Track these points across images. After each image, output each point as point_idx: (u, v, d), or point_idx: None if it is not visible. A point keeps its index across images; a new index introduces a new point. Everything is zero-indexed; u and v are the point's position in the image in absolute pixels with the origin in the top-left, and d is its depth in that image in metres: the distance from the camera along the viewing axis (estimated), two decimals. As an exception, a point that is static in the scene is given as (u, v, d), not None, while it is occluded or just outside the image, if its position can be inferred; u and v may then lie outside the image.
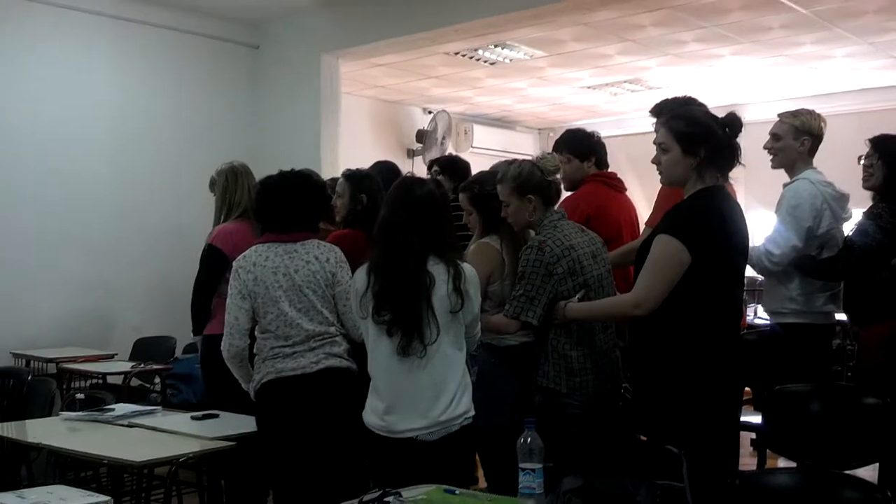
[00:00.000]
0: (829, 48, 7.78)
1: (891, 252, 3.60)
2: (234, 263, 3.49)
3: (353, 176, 4.21)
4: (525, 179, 3.39)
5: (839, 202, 3.87)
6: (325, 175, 5.17)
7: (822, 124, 3.92)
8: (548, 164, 3.44)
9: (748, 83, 9.04)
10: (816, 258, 3.77)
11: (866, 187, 3.82)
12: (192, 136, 7.16)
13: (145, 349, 6.32)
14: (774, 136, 3.92)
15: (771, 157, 3.94)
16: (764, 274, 3.86)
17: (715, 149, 2.93)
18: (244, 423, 3.63)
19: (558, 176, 3.50)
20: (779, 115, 3.97)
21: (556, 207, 3.46)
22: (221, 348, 3.47)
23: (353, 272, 3.24)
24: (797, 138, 3.87)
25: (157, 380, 5.90)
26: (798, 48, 7.77)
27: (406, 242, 2.95)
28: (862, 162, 3.81)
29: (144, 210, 6.84)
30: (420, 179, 3.28)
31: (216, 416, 3.89)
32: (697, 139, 2.93)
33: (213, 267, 4.33)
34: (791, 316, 3.83)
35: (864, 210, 3.80)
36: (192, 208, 6.15)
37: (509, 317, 3.28)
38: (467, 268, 3.05)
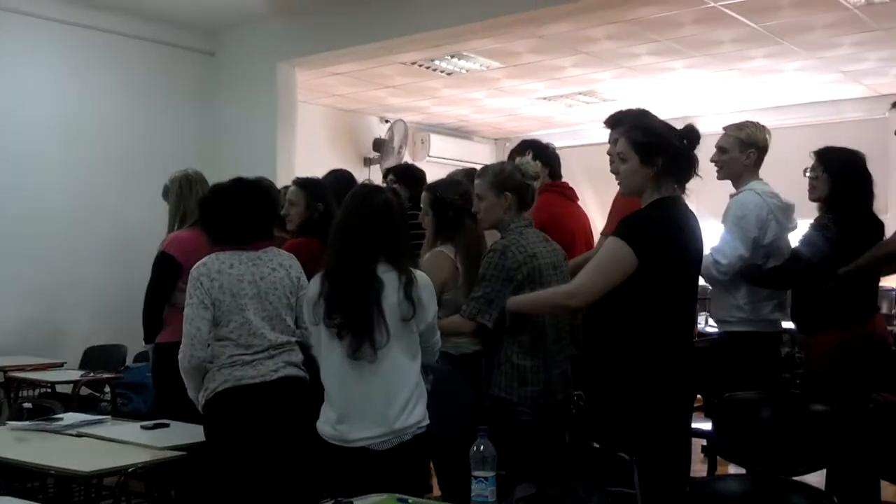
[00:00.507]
0: (779, 62, 7.92)
1: (836, 263, 3.66)
2: (193, 272, 3.40)
3: (307, 184, 4.19)
4: (506, 177, 3.39)
5: (784, 213, 3.93)
6: (281, 184, 5.14)
7: (767, 136, 3.98)
8: (529, 168, 3.45)
9: (700, 96, 9.17)
10: (762, 267, 3.83)
11: (812, 199, 3.88)
12: (144, 144, 7.08)
13: (95, 357, 6.23)
14: (721, 148, 3.97)
15: (717, 168, 3.99)
16: (711, 283, 3.91)
17: (672, 159, 2.96)
18: (195, 433, 3.57)
19: (536, 183, 3.51)
20: (724, 129, 4.01)
21: (526, 215, 3.46)
22: (180, 359, 3.37)
23: (308, 280, 3.21)
24: (743, 151, 3.93)
25: (108, 389, 5.82)
26: (749, 62, 7.90)
27: (357, 248, 2.94)
28: (807, 174, 3.87)
29: (95, 217, 6.76)
30: (377, 187, 3.28)
31: (166, 425, 3.84)
32: (655, 149, 2.97)
33: (166, 274, 4.28)
34: (738, 324, 3.87)
35: (812, 221, 3.87)
36: (144, 216, 6.07)
37: (466, 317, 3.29)
38: (420, 275, 3.03)
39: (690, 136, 3.00)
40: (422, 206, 3.73)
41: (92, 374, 5.67)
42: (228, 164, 6.46)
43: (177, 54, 7.39)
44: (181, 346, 3.38)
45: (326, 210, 4.07)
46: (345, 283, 2.93)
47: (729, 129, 3.99)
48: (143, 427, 3.83)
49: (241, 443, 3.35)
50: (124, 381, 5.63)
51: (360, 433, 2.91)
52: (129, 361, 6.15)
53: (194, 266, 3.42)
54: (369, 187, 3.25)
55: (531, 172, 3.44)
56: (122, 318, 5.91)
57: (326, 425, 2.98)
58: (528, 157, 3.61)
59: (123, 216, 6.83)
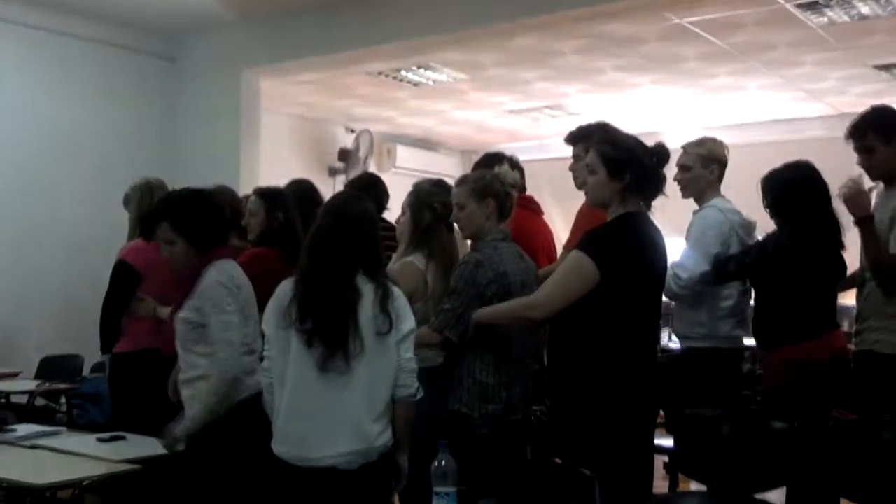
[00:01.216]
0: (743, 80, 8.00)
1: (783, 269, 3.67)
2: (219, 280, 3.28)
3: (266, 193, 4.16)
4: (487, 183, 3.37)
5: (746, 230, 3.97)
6: (244, 193, 5.10)
7: (726, 151, 4.02)
8: (508, 177, 3.43)
9: (666, 112, 9.24)
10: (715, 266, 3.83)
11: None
12: (103, 150, 6.99)
13: (52, 367, 6.12)
14: (683, 167, 3.99)
15: (681, 187, 4.00)
16: (671, 297, 3.91)
17: (639, 175, 2.97)
18: (152, 446, 3.52)
19: (514, 193, 3.50)
20: (683, 147, 4.03)
21: (503, 227, 3.43)
22: (228, 368, 3.21)
23: (266, 290, 3.12)
24: (706, 166, 3.97)
25: (64, 399, 5.72)
26: (713, 79, 7.97)
27: (337, 254, 2.87)
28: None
29: (53, 224, 6.65)
30: (360, 196, 3.21)
31: (123, 437, 3.78)
32: (623, 164, 2.98)
33: (125, 283, 4.23)
34: (699, 340, 3.90)
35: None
36: (102, 223, 6.00)
37: (434, 329, 3.26)
38: (396, 289, 2.97)
39: (660, 154, 3.02)
40: (402, 204, 3.70)
41: (48, 385, 5.58)
42: (190, 172, 6.38)
43: (135, 59, 7.29)
44: (227, 356, 3.23)
45: (286, 220, 4.04)
46: (321, 287, 2.84)
47: (689, 146, 4.01)
48: (99, 439, 3.77)
49: (259, 449, 3.16)
50: (81, 392, 5.54)
51: (327, 451, 2.80)
52: (86, 372, 6.06)
53: (217, 273, 3.31)
54: (350, 195, 3.22)
55: (510, 181, 3.42)
56: (78, 328, 5.81)
57: (285, 444, 2.84)
58: (507, 167, 3.61)
59: (81, 224, 6.72)
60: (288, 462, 2.84)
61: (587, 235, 3.04)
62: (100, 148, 6.98)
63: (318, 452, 2.81)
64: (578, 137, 3.93)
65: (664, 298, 3.60)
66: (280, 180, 4.63)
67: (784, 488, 3.52)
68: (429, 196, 3.60)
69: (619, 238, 2.97)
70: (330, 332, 2.80)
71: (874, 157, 3.60)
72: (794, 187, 3.76)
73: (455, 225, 3.58)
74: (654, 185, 3.03)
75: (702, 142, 4.01)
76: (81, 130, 6.91)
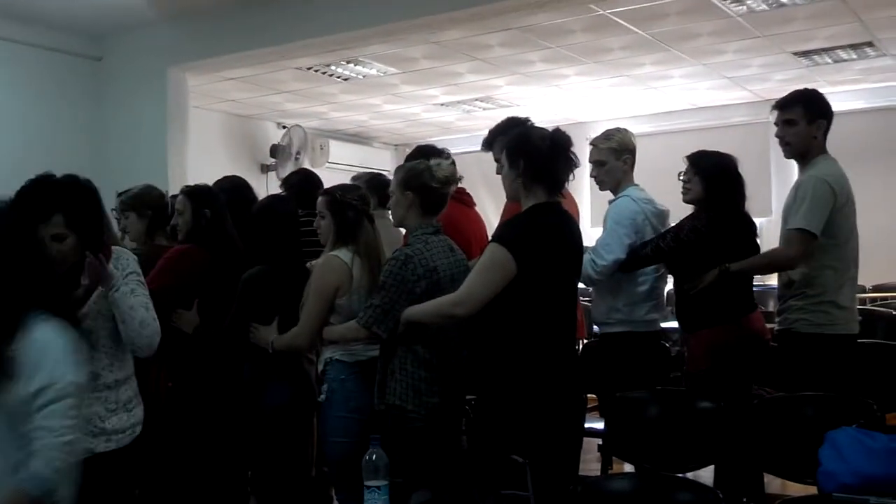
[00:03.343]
0: (667, 69, 8.14)
1: (699, 254, 3.76)
2: None
3: (192, 192, 4.10)
4: (414, 175, 3.36)
5: (659, 218, 4.05)
6: (174, 191, 5.04)
7: (633, 138, 4.10)
8: (439, 171, 3.38)
9: (594, 101, 9.34)
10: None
11: (686, 200, 3.95)
12: (28, 152, 6.77)
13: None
14: (598, 163, 4.05)
15: (597, 182, 4.08)
16: (588, 283, 3.97)
17: (531, 163, 3.00)
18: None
19: (449, 188, 3.49)
20: (592, 143, 4.09)
21: (433, 220, 3.42)
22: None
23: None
24: (619, 158, 4.03)
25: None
26: (638, 69, 8.10)
27: None
28: (681, 178, 3.97)
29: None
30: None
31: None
32: (516, 152, 3.03)
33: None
34: (617, 325, 3.97)
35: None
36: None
37: (361, 325, 3.27)
38: None
39: (553, 139, 3.04)
40: (317, 210, 3.69)
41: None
42: (118, 172, 6.26)
43: (60, 59, 7.12)
44: None
45: (214, 217, 3.98)
46: None
47: (598, 141, 4.07)
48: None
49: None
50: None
51: None
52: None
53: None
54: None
55: (440, 176, 3.38)
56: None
57: None
58: (442, 161, 3.60)
59: (7, 227, 6.55)
60: None
61: (500, 228, 3.09)
62: (25, 150, 6.78)
63: None
64: (501, 131, 3.97)
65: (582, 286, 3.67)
66: (211, 178, 4.58)
67: (712, 466, 3.62)
68: (345, 194, 3.61)
69: (531, 228, 3.00)
70: None
71: (792, 129, 3.71)
72: (725, 174, 3.85)
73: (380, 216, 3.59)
74: (551, 173, 3.03)
75: (610, 135, 4.07)
76: (6, 133, 6.74)
